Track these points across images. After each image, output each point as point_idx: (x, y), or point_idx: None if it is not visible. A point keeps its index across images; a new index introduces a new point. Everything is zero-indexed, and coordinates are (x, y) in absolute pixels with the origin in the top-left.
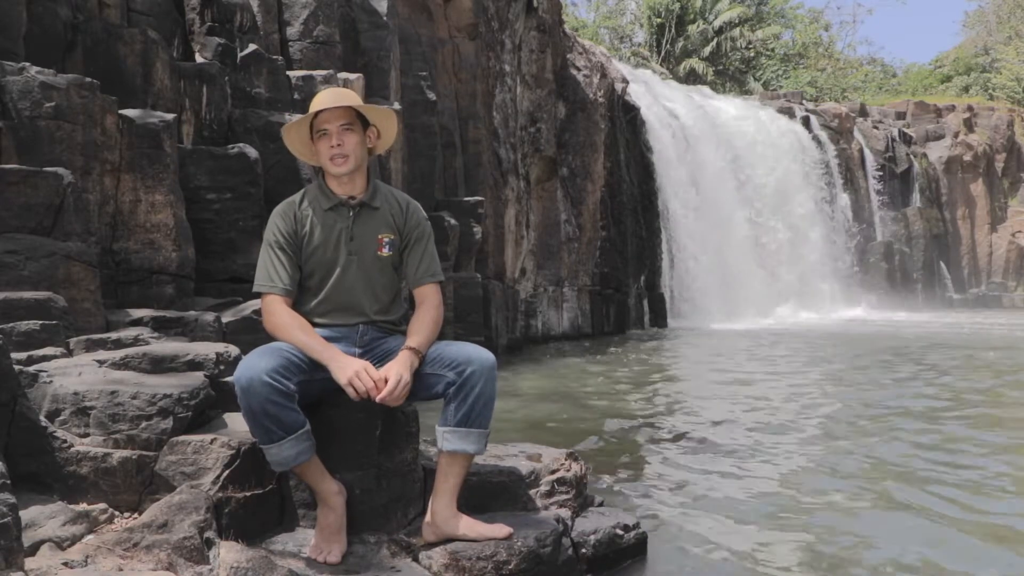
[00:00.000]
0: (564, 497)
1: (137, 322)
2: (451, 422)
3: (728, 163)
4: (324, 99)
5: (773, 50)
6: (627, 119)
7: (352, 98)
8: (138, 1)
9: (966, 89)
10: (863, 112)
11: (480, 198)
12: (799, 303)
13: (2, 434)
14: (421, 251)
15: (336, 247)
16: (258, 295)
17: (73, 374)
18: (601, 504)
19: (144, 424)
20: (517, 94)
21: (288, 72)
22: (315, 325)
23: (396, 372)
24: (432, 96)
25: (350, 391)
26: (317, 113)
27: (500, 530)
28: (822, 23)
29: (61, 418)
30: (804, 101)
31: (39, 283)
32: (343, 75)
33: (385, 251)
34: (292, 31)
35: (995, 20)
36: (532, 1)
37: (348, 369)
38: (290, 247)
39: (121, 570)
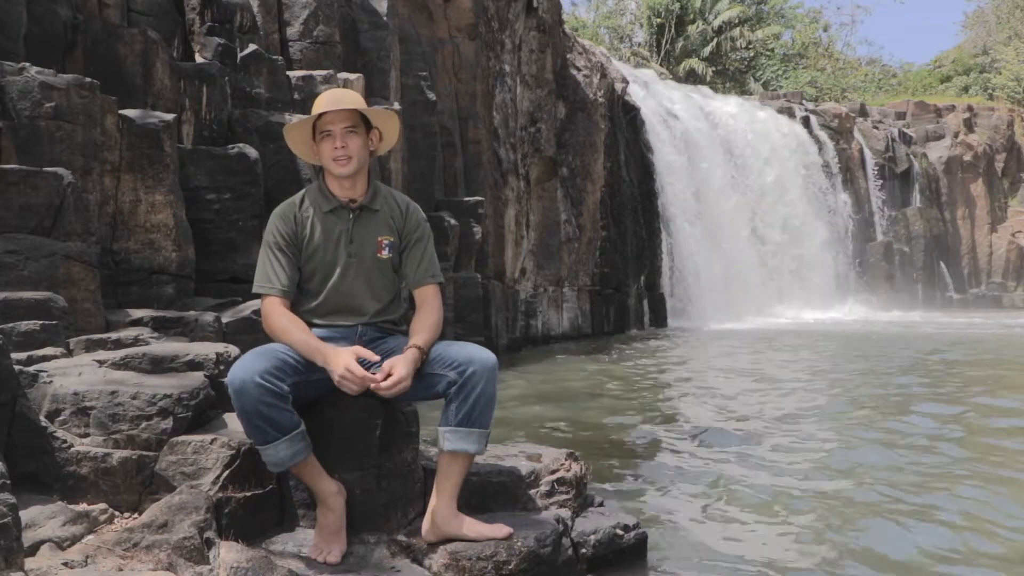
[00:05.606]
0: (564, 497)
1: (137, 322)
2: (452, 422)
3: (728, 163)
4: (328, 100)
5: (773, 50)
6: (627, 119)
7: (356, 100)
8: (138, 1)
9: (966, 89)
10: (863, 112)
11: (480, 198)
12: (799, 303)
13: (2, 434)
14: (420, 252)
15: (336, 249)
16: (258, 295)
17: (73, 374)
18: (601, 504)
19: (144, 424)
20: (517, 94)
21: (288, 72)
22: (314, 326)
23: (399, 369)
24: (432, 96)
25: (343, 388)
26: (321, 114)
27: (500, 530)
28: (821, 23)
29: (61, 418)
30: (804, 101)
31: (39, 283)
32: (343, 75)
33: (385, 253)
34: (292, 31)
35: (995, 20)
36: (532, 1)
37: (339, 367)
38: (289, 248)
39: (121, 570)
